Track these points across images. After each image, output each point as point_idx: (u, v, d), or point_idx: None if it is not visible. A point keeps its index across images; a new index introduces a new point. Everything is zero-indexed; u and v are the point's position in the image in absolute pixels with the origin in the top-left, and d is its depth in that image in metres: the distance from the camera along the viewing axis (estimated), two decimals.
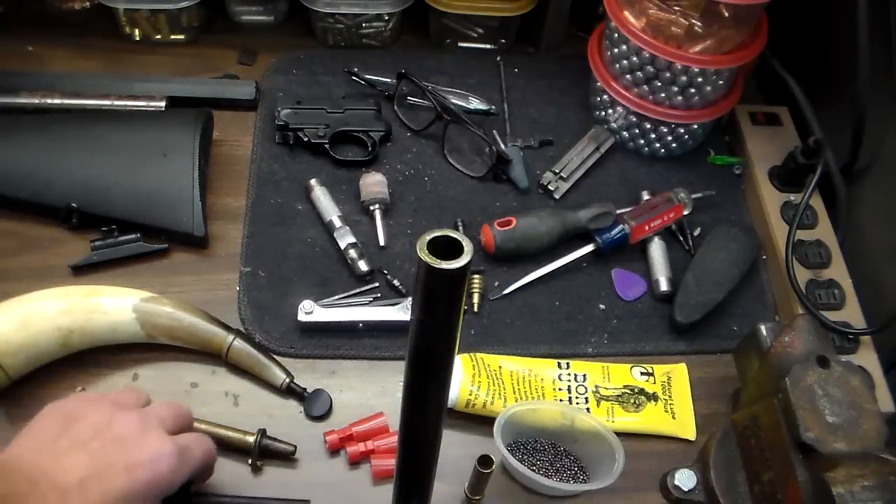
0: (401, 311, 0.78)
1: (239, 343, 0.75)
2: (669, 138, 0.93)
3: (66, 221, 0.81)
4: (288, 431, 0.72)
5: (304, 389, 0.74)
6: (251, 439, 0.70)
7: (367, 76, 0.96)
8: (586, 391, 0.76)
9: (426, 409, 0.48)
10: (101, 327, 0.73)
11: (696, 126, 0.92)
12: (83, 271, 0.80)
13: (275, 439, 0.71)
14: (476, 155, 0.92)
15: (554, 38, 1.04)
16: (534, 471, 0.70)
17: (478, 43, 1.04)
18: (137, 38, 1.00)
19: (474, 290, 0.82)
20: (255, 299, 0.80)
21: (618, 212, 0.86)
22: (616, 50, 0.89)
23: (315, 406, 0.74)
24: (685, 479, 0.70)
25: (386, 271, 0.83)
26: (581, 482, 0.71)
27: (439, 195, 0.90)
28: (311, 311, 0.78)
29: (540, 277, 0.83)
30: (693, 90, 0.87)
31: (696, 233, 0.89)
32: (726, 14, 0.82)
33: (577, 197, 0.91)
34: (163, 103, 0.91)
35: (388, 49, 1.03)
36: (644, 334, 0.82)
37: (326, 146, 0.90)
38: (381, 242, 0.85)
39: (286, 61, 1.00)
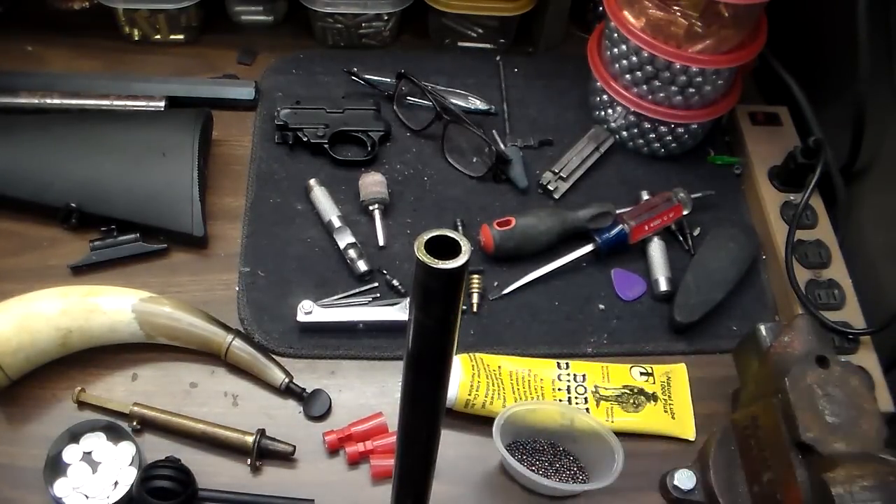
0: (400, 311, 0.78)
1: (238, 343, 0.75)
2: (669, 138, 0.93)
3: (65, 221, 0.81)
4: (287, 431, 0.72)
5: (304, 389, 0.74)
6: (250, 439, 0.70)
7: (367, 76, 0.96)
8: (586, 391, 0.76)
9: (425, 409, 0.48)
10: (101, 327, 0.73)
11: (695, 126, 0.92)
12: (82, 271, 0.80)
13: (274, 439, 0.71)
14: (475, 155, 0.92)
15: (553, 37, 1.04)
16: (533, 471, 0.70)
17: (477, 43, 1.04)
18: (137, 38, 1.00)
19: (473, 290, 0.82)
20: (254, 299, 0.80)
21: (617, 212, 0.86)
22: (616, 50, 0.89)
23: (314, 406, 0.74)
24: (685, 480, 0.70)
25: (385, 271, 0.82)
26: (580, 482, 0.71)
27: (439, 195, 0.90)
28: (310, 311, 0.78)
29: (539, 277, 0.83)
30: (693, 90, 0.87)
31: (696, 233, 0.89)
32: (726, 14, 0.82)
33: (577, 197, 0.91)
34: (162, 103, 0.91)
35: (388, 49, 1.03)
36: (644, 334, 0.82)
37: (326, 146, 0.90)
38: (381, 242, 0.85)
39: (285, 61, 1.00)
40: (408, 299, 0.80)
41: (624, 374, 0.78)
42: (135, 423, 0.71)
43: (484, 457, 0.73)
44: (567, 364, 0.78)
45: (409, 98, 0.96)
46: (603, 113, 0.96)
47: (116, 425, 0.71)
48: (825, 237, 0.87)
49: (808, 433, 0.60)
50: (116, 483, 0.69)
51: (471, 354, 0.76)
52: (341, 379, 0.77)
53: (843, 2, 0.86)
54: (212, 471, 0.70)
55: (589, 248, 0.85)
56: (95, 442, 0.70)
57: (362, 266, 0.81)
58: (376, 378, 0.77)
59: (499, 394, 0.73)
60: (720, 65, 0.85)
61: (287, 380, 0.74)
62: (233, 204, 0.87)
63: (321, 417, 0.74)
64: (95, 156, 0.83)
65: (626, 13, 0.86)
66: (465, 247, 0.37)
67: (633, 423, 0.75)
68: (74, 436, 0.70)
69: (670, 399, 0.77)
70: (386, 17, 1.00)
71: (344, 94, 0.96)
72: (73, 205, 0.80)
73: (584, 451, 0.72)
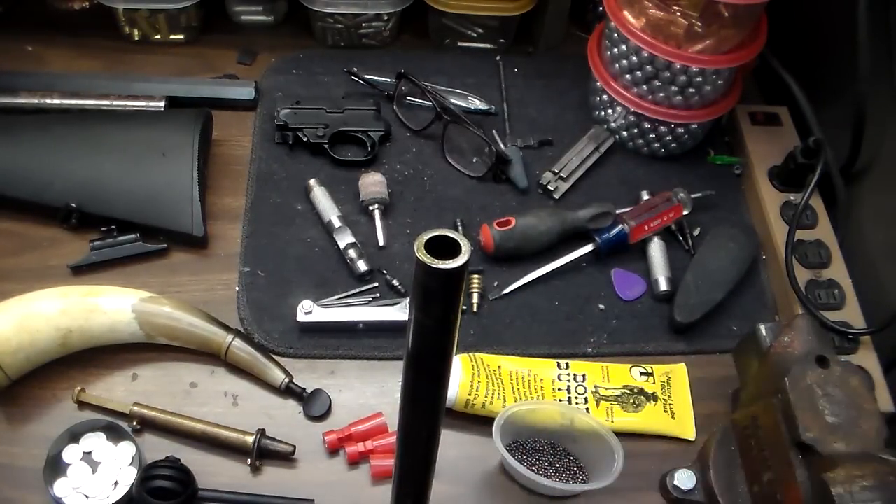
0: (400, 311, 0.78)
1: (238, 343, 0.75)
2: (669, 138, 0.93)
3: (65, 221, 0.81)
4: (287, 431, 0.72)
5: (304, 389, 0.74)
6: (250, 439, 0.70)
7: (367, 76, 0.96)
8: (586, 391, 0.76)
9: (424, 409, 0.48)
10: (100, 327, 0.73)
11: (695, 126, 0.92)
12: (82, 271, 0.80)
13: (274, 439, 0.71)
14: (475, 155, 0.92)
15: (553, 37, 1.04)
16: (533, 471, 0.70)
17: (477, 43, 1.04)
18: (137, 38, 1.00)
19: (473, 290, 0.82)
20: (254, 299, 0.80)
21: (617, 212, 0.86)
22: (616, 50, 0.89)
23: (314, 406, 0.74)
24: (685, 480, 0.69)
25: (385, 271, 0.82)
26: (580, 482, 0.71)
27: (439, 195, 0.90)
28: (310, 311, 0.78)
29: (539, 277, 0.83)
30: (692, 90, 0.87)
31: (696, 233, 0.89)
32: (726, 14, 0.82)
33: (577, 197, 0.91)
34: (162, 103, 0.91)
35: (388, 49, 1.03)
36: (643, 334, 0.82)
37: (326, 146, 0.90)
38: (381, 242, 0.85)
39: (285, 61, 1.00)
40: (408, 299, 0.80)
41: (624, 374, 0.78)
42: (135, 423, 0.71)
43: (484, 457, 0.73)
44: (567, 364, 0.78)
45: (409, 98, 0.96)
46: (603, 113, 0.96)
47: (116, 425, 0.71)
48: (825, 237, 0.87)
49: (808, 433, 0.60)
50: (116, 483, 0.69)
51: (471, 354, 0.76)
52: (341, 379, 0.77)
53: (843, 2, 0.86)
54: (212, 471, 0.70)
55: (589, 248, 0.85)
56: (95, 442, 0.70)
57: (362, 266, 0.81)
58: (376, 378, 0.77)
59: (499, 394, 0.73)
60: (720, 65, 0.85)
61: (287, 380, 0.74)
62: (233, 204, 0.87)
63: (321, 417, 0.74)
64: (95, 156, 0.83)
65: (626, 13, 0.86)
66: (465, 247, 0.37)
67: (633, 423, 0.75)
68: (74, 436, 0.70)
69: (670, 399, 0.77)
70: (386, 17, 1.00)
71: (344, 94, 0.96)
72: (73, 205, 0.80)
73: (584, 451, 0.72)
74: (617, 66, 0.90)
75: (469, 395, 0.72)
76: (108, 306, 0.73)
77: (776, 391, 0.64)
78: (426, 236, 0.37)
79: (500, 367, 0.76)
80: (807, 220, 0.87)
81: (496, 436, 0.68)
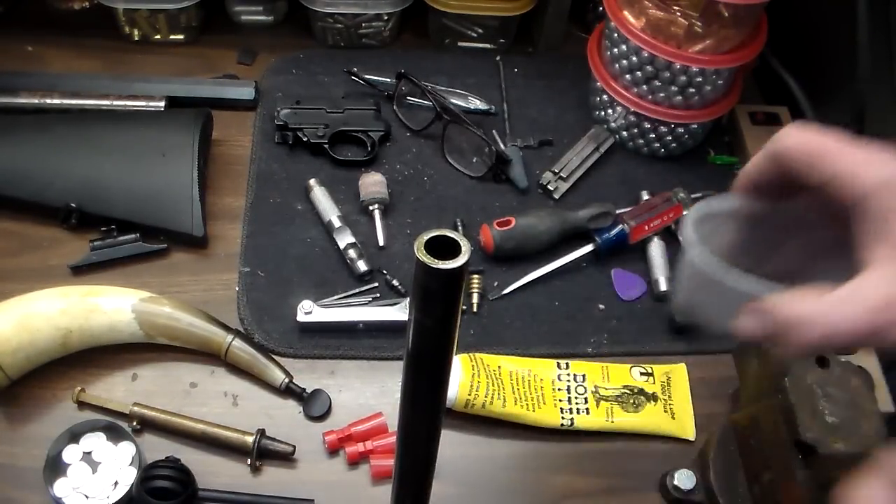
0: (400, 311, 0.78)
1: (238, 343, 0.75)
2: (669, 138, 0.93)
3: (65, 221, 0.81)
4: (287, 432, 0.72)
5: (304, 389, 0.74)
6: (250, 440, 0.70)
7: (367, 76, 0.96)
8: (586, 391, 0.76)
9: (424, 409, 0.48)
10: (100, 327, 0.73)
11: (695, 126, 0.92)
12: (82, 271, 0.80)
13: (274, 439, 0.71)
14: (475, 155, 0.92)
15: (553, 37, 1.04)
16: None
17: (477, 43, 1.04)
18: (137, 38, 1.00)
19: (473, 290, 0.82)
20: (254, 299, 0.80)
21: (617, 212, 0.86)
22: (616, 50, 0.89)
23: (314, 406, 0.74)
24: (684, 480, 0.69)
25: (385, 271, 0.82)
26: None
27: (439, 195, 0.90)
28: (310, 311, 0.78)
29: (539, 277, 0.83)
30: (692, 90, 0.87)
31: None
32: (726, 14, 0.82)
33: (577, 197, 0.91)
34: (162, 103, 0.91)
35: (388, 49, 1.03)
36: (643, 334, 0.82)
37: (326, 146, 0.90)
38: (381, 242, 0.85)
39: (285, 61, 1.00)
40: (408, 299, 0.80)
41: (624, 375, 0.78)
42: (135, 423, 0.71)
43: (484, 457, 0.73)
44: (567, 364, 0.78)
45: (409, 98, 0.96)
46: (603, 113, 0.96)
47: (116, 425, 0.71)
48: None
49: (808, 433, 0.60)
50: (116, 483, 0.69)
51: (471, 354, 0.76)
52: (341, 379, 0.77)
53: (843, 2, 0.86)
54: (212, 471, 0.70)
55: (589, 248, 0.85)
56: (95, 442, 0.70)
57: (362, 266, 0.81)
58: (376, 378, 0.77)
59: (499, 394, 0.73)
60: (720, 65, 0.85)
61: (287, 380, 0.74)
62: (233, 204, 0.87)
63: (321, 417, 0.74)
64: (95, 156, 0.83)
65: (626, 13, 0.86)
66: (465, 247, 0.37)
67: (633, 423, 0.75)
68: (74, 436, 0.70)
69: (670, 399, 0.77)
70: (386, 17, 1.00)
71: (344, 94, 0.96)
72: (73, 205, 0.80)
73: None
74: (617, 66, 0.90)
75: (469, 395, 0.72)
76: (108, 306, 0.73)
77: (776, 391, 0.64)
78: (426, 236, 0.37)
79: (500, 367, 0.76)
80: None
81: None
